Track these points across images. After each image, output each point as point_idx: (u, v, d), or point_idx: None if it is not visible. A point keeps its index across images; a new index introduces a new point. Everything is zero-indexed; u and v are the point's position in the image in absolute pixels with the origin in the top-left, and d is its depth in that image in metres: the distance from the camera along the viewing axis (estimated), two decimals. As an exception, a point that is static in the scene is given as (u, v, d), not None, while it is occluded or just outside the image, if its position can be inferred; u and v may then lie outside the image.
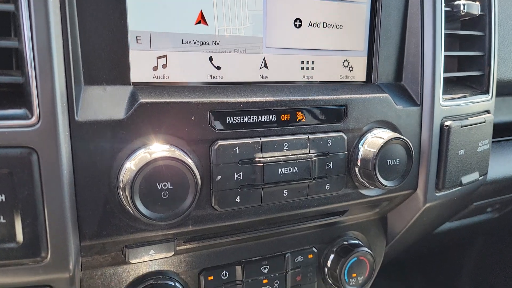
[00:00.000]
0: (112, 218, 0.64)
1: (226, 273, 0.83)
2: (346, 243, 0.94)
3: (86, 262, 0.69)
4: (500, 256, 1.94)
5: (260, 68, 0.77)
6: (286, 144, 0.73)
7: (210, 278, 0.81)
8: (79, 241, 0.62)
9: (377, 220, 1.01)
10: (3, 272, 0.58)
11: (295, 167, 0.74)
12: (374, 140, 0.80)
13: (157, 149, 0.62)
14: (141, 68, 0.67)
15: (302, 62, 0.80)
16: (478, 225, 1.62)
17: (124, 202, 0.63)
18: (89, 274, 0.73)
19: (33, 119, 0.55)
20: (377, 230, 1.01)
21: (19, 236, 0.56)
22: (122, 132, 0.62)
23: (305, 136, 0.75)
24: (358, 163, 0.81)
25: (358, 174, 0.81)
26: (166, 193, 0.62)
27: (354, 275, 0.93)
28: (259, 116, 0.71)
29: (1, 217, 0.56)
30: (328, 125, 0.77)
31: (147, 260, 0.72)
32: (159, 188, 0.62)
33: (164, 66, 0.69)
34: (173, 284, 0.77)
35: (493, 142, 1.31)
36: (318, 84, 0.82)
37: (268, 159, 0.72)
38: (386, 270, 2.05)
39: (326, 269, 0.93)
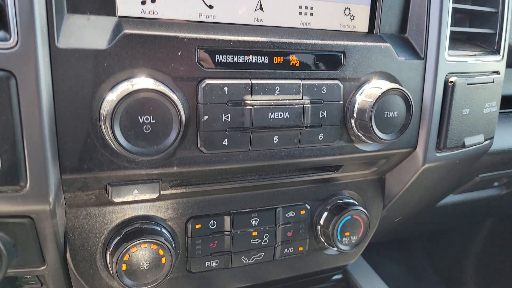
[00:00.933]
0: (94, 152, 0.62)
1: (214, 223, 0.81)
2: (340, 201, 0.91)
3: (70, 199, 0.68)
4: (508, 241, 1.89)
5: (255, 10, 0.73)
6: (277, 88, 0.71)
7: (198, 226, 0.80)
8: (59, 174, 0.61)
9: (375, 181, 0.98)
10: (-19, 199, 0.57)
11: (287, 113, 0.71)
12: (372, 90, 0.76)
13: (140, 82, 0.60)
14: (128, 0, 0.65)
15: (300, 7, 0.77)
16: (485, 202, 1.57)
17: (106, 137, 0.61)
18: (73, 213, 0.72)
19: (11, 42, 0.53)
20: (374, 191, 0.98)
21: (-3, 162, 0.56)
22: (105, 62, 0.60)
23: (299, 81, 0.72)
24: (355, 115, 0.77)
25: (354, 127, 0.78)
26: (148, 127, 0.60)
27: (347, 234, 0.90)
28: (250, 57, 0.68)
29: (-21, 142, 0.55)
30: (323, 71, 0.74)
31: (131, 200, 0.71)
32: (141, 121, 0.60)
33: (153, 0, 0.67)
34: (159, 229, 0.76)
35: (502, 112, 1.26)
36: (316, 30, 0.78)
37: (258, 102, 0.69)
38: (389, 251, 2.03)
39: (318, 227, 0.91)
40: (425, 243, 2.13)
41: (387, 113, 0.77)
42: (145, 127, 0.60)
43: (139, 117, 0.59)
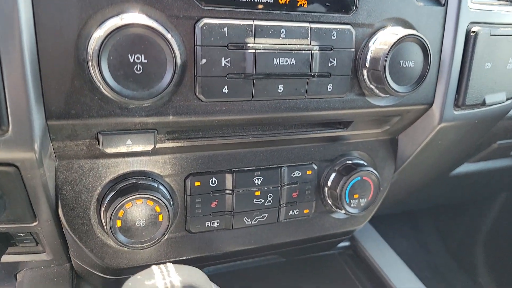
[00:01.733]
0: (82, 96, 0.57)
1: (214, 180, 0.77)
2: (349, 162, 0.86)
3: (59, 150, 0.64)
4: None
5: None
6: (283, 31, 0.64)
7: (197, 183, 0.75)
8: (45, 119, 0.57)
9: (387, 141, 0.92)
10: (-40, 144, 0.53)
11: (293, 59, 0.65)
12: (387, 36, 0.70)
13: (131, 17, 0.55)
14: None
15: None
16: (499, 174, 1.51)
17: (95, 79, 0.56)
18: (64, 165, 0.68)
19: None
20: (385, 153, 0.92)
21: (-25, 102, 0.51)
22: (91, -5, 0.54)
23: (306, 24, 0.66)
24: (367, 64, 0.71)
25: (367, 78, 0.72)
26: (139, 67, 0.55)
27: (356, 196, 0.85)
28: (254, -5, 0.62)
29: (-46, 80, 0.50)
30: (334, 15, 0.68)
31: (125, 152, 0.66)
32: (131, 61, 0.54)
33: None
34: (156, 185, 0.71)
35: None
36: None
37: (261, 45, 0.63)
38: (398, 224, 1.98)
39: (326, 189, 0.86)
40: (435, 217, 2.07)
41: (402, 63, 0.71)
42: (136, 67, 0.55)
43: (129, 55, 0.54)
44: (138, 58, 0.55)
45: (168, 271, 0.49)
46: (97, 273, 0.81)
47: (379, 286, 1.03)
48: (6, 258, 0.84)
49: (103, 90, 0.56)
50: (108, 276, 0.82)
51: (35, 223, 0.70)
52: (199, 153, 0.75)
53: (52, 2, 0.53)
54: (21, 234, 0.79)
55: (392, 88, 0.70)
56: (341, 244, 1.13)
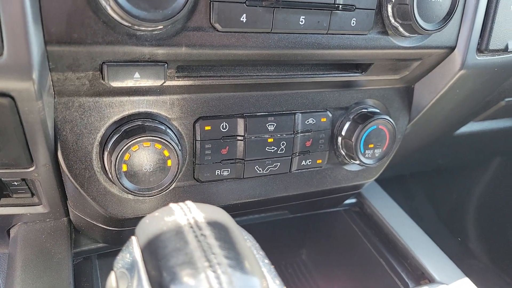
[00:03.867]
0: (85, 18, 0.51)
1: (226, 125, 0.72)
2: (365, 110, 0.82)
3: (58, 83, 0.58)
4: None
5: None
6: (307, -45, 0.58)
7: (207, 128, 0.70)
8: (44, 44, 0.50)
9: (403, 90, 0.88)
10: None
11: (317, -13, 0.60)
12: (416, -33, 0.64)
13: None
14: None
15: None
16: (501, 134, 1.49)
17: (100, -3, 0.49)
18: (64, 103, 0.61)
19: None
20: (401, 102, 0.88)
21: (-38, 16, 0.44)
22: None
23: (331, -52, 0.60)
24: (392, -1, 0.66)
25: (391, 14, 0.67)
26: (152, -17, 0.49)
27: (371, 145, 0.82)
28: None
29: None
30: None
31: (131, 87, 0.60)
32: (143, -25, 0.48)
33: None
34: (164, 128, 0.66)
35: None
36: None
37: (283, -31, 0.57)
38: (388, 188, 1.97)
39: (339, 138, 0.82)
40: (426, 182, 2.07)
41: (430, -3, 0.66)
42: (149, -17, 0.49)
43: (141, -32, 0.48)
44: (151, -28, 0.48)
45: (189, 208, 0.44)
46: (98, 224, 0.76)
47: (386, 242, 1.01)
48: (-3, 211, 0.79)
49: (110, 11, 0.50)
50: (110, 228, 0.77)
51: (31, 168, 0.65)
52: (210, 95, 0.70)
53: None
54: (15, 183, 0.73)
55: (419, 24, 0.66)
56: (347, 201, 1.11)
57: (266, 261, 0.43)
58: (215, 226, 0.42)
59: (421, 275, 0.92)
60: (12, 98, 0.52)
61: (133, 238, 0.44)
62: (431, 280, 0.90)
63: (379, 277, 0.98)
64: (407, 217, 1.06)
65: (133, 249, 0.42)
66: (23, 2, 0.46)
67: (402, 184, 1.90)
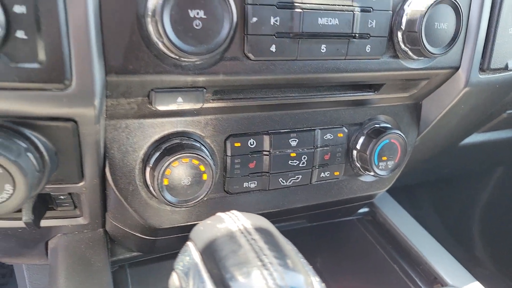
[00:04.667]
0: (140, 52, 0.58)
1: (253, 142, 0.79)
2: (378, 125, 0.89)
3: (111, 108, 0.65)
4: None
5: None
6: (327, -8, 0.66)
7: (237, 144, 0.78)
8: (105, 74, 0.58)
9: (411, 106, 0.95)
10: (27, 98, 0.54)
11: (336, 19, 0.67)
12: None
13: (189, -27, 0.56)
14: None
15: None
16: (504, 145, 1.56)
17: (152, 34, 0.57)
18: (113, 125, 0.69)
19: None
20: (410, 117, 0.95)
21: (42, 55, 0.52)
22: (151, -51, 0.55)
23: (349, -15, 0.68)
24: (402, 27, 0.74)
25: (401, 40, 0.75)
26: (198, 23, 0.56)
27: (384, 158, 0.89)
28: (301, -45, 0.64)
29: (23, 32, 0.51)
30: (374, -23, 0.70)
31: (174, 110, 0.68)
32: (192, 16, 0.56)
33: None
34: (199, 145, 0.73)
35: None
36: None
37: (308, 5, 0.65)
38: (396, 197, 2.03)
39: (354, 152, 0.89)
40: (432, 191, 2.13)
41: (437, 25, 0.73)
42: (196, 23, 0.56)
43: (189, 10, 0.55)
44: (198, 13, 0.56)
45: (236, 216, 0.51)
46: (136, 234, 0.83)
47: (399, 248, 1.07)
48: (42, 223, 0.85)
49: (161, 46, 0.58)
50: (147, 237, 0.84)
51: (81, 183, 0.72)
52: (239, 115, 0.77)
53: (113, -44, 0.53)
54: (62, 197, 0.80)
55: (427, 49, 0.73)
56: (360, 210, 1.17)
57: (305, 261, 0.50)
58: (262, 231, 0.49)
59: (434, 280, 0.98)
60: (75, 122, 0.59)
61: (190, 243, 0.50)
62: (443, 285, 0.96)
63: (393, 283, 1.04)
64: (418, 224, 1.13)
65: (192, 253, 0.48)
66: (90, 40, 0.53)
67: (410, 194, 1.96)
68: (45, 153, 0.61)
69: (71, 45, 0.53)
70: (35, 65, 0.52)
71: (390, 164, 0.90)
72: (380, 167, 0.89)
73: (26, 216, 0.75)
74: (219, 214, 0.53)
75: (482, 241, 1.99)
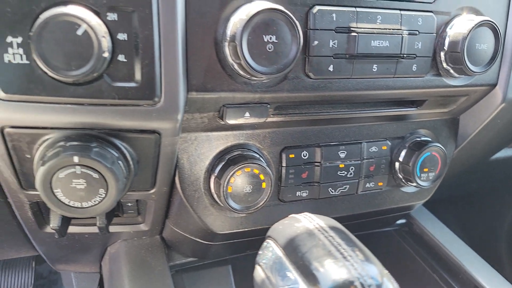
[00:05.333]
0: (216, 73, 0.66)
1: (306, 154, 0.85)
2: (419, 139, 0.95)
3: (185, 122, 0.73)
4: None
5: None
6: (379, 17, 0.74)
7: (291, 156, 0.84)
8: (187, 92, 0.65)
9: (450, 121, 1.01)
10: (122, 113, 0.62)
11: (387, 41, 0.75)
12: (465, 22, 0.79)
13: (262, 3, 0.64)
14: None
15: None
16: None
17: (228, 56, 0.65)
18: (184, 137, 0.76)
19: None
20: (448, 132, 1.01)
21: (138, 75, 0.60)
22: (229, -16, 0.63)
23: (398, 11, 0.75)
24: (445, 47, 0.80)
25: (444, 60, 0.81)
26: (271, 46, 0.64)
27: (426, 170, 0.94)
28: (356, -15, 0.72)
29: (123, 56, 0.59)
30: (419, 3, 0.77)
31: (242, 122, 0.75)
32: (265, 40, 0.63)
33: None
34: (258, 156, 0.80)
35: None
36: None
37: (362, 29, 0.72)
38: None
39: (397, 164, 0.95)
40: (456, 205, 2.14)
41: (477, 45, 0.80)
42: (268, 46, 0.64)
43: (263, 36, 0.63)
44: (270, 38, 0.64)
45: (310, 217, 0.57)
46: (195, 239, 0.90)
47: (437, 258, 1.11)
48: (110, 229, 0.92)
49: (236, 67, 0.65)
50: (205, 242, 0.90)
51: (152, 191, 0.79)
52: (293, 128, 0.84)
53: (200, -8, 0.62)
54: (129, 204, 0.88)
55: (469, 68, 0.79)
56: (397, 222, 1.22)
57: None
58: (336, 230, 0.55)
59: (474, 288, 1.02)
60: (159, 134, 0.67)
61: (270, 240, 0.57)
62: (484, 293, 0.99)
63: (433, 291, 1.08)
64: (453, 234, 1.16)
65: (274, 248, 0.55)
66: (177, 62, 0.61)
67: (449, 206, 1.97)
68: (131, 162, 0.68)
69: (162, 66, 0.61)
70: (132, 84, 0.60)
71: (431, 175, 0.95)
72: (422, 178, 0.94)
73: (101, 221, 0.83)
74: (293, 215, 0.59)
75: (509, 258, 1.98)
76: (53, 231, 0.84)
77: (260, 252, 0.57)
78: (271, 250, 0.55)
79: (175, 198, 0.82)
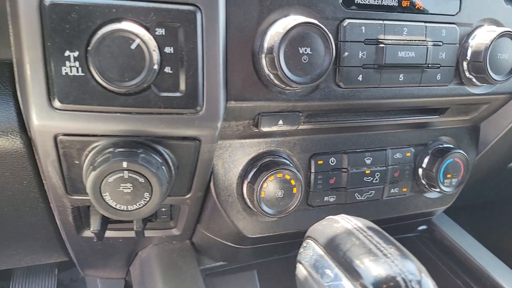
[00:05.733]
0: (253, 83, 0.70)
1: (333, 160, 0.89)
2: (441, 146, 0.98)
3: (222, 130, 0.76)
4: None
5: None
6: (405, 29, 0.77)
7: (320, 162, 0.88)
8: (226, 101, 0.69)
9: (471, 128, 1.03)
10: (166, 120, 0.66)
11: (413, 52, 0.78)
12: (487, 33, 0.82)
13: (297, 18, 0.68)
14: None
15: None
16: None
17: (265, 67, 0.69)
18: (219, 144, 0.80)
19: None
20: (469, 139, 1.04)
21: (182, 86, 0.64)
22: (268, 0, 0.68)
23: (423, 24, 0.79)
24: (468, 57, 0.84)
25: (466, 69, 0.85)
26: (306, 58, 0.68)
27: (449, 176, 0.97)
28: (384, 0, 0.75)
29: (169, 67, 0.63)
30: (443, 16, 0.81)
31: (275, 130, 0.78)
32: (301, 52, 0.67)
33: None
34: (288, 162, 0.84)
35: None
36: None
37: (390, 41, 0.76)
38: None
39: (420, 170, 0.98)
40: (475, 213, 2.14)
41: (499, 55, 0.83)
42: (304, 58, 0.68)
43: (299, 48, 0.67)
44: (305, 50, 0.67)
45: (347, 218, 0.60)
46: (227, 243, 0.93)
47: (460, 264, 1.13)
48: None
49: (272, 77, 0.69)
50: (235, 245, 0.93)
51: (187, 195, 0.82)
52: (321, 136, 0.88)
53: (239, 7, 0.66)
54: (163, 209, 0.91)
55: (491, 77, 0.83)
56: (418, 228, 1.24)
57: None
58: (372, 230, 0.58)
59: (498, 293, 1.03)
60: (199, 141, 0.71)
61: (309, 240, 0.60)
62: (508, 297, 1.00)
63: (457, 296, 1.09)
64: (475, 240, 1.18)
65: (314, 247, 0.58)
66: (218, 73, 0.65)
67: (468, 213, 1.98)
68: (172, 167, 0.72)
69: (204, 78, 0.65)
70: (177, 94, 0.64)
71: (454, 181, 0.98)
72: (445, 184, 0.97)
73: (138, 225, 0.87)
74: (330, 216, 0.62)
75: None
76: (90, 235, 0.88)
77: (300, 250, 0.60)
78: (312, 249, 0.58)
79: (209, 203, 0.86)
